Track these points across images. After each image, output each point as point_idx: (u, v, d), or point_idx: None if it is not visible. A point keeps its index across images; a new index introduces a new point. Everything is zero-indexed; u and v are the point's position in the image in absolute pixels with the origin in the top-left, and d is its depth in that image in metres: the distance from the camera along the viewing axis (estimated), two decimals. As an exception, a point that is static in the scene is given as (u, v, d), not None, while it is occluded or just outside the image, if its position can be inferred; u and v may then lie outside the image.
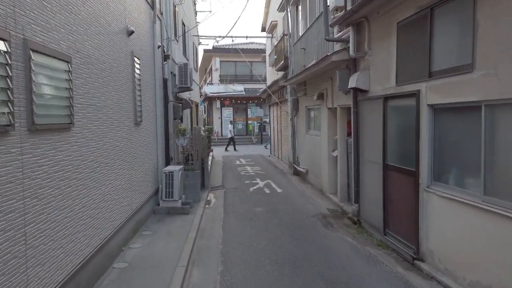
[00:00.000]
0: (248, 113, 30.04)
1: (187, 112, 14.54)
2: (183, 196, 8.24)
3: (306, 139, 11.53)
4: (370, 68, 6.33)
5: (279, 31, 16.38)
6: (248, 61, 23.60)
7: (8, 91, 2.74)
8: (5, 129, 2.71)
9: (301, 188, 10.54)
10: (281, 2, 13.82)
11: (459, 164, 4.36)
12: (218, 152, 21.40)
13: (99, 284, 4.38)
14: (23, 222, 2.95)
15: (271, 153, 19.88)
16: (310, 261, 5.20)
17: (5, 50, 2.72)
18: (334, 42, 7.62)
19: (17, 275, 2.85)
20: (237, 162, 16.92)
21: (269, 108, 20.65)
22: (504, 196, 3.59)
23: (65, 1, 3.74)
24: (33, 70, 3.07)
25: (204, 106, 32.50)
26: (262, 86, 23.05)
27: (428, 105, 4.70)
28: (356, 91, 6.76)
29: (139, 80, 6.53)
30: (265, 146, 23.48)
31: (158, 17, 8.58)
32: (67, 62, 3.71)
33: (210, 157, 16.57)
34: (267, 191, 10.19)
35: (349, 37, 6.71)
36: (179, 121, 11.66)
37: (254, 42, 31.17)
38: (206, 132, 20.14)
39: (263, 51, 25.16)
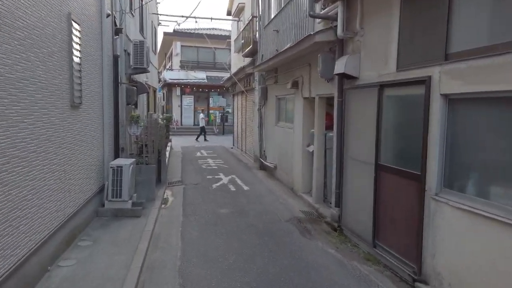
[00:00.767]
0: (210, 102, 28.66)
1: (143, 97, 13.07)
2: (135, 195, 6.98)
3: (276, 131, 10.56)
4: (362, 50, 5.40)
5: (246, 14, 15.22)
6: (212, 48, 22.24)
7: None
8: None
9: (269, 185, 9.58)
10: (251, -19, 12.67)
11: (482, 169, 3.52)
12: (177, 142, 19.98)
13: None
14: None
15: (233, 145, 18.80)
16: (290, 284, 4.22)
17: None
18: (317, 21, 6.63)
19: None
20: (198, 154, 15.68)
21: (232, 98, 19.48)
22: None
23: None
24: None
25: (163, 93, 30.69)
26: (226, 75, 21.82)
27: (441, 94, 3.82)
28: (343, 78, 5.84)
29: (79, 51, 5.18)
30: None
31: (109, -19, 7.16)
32: None
33: (168, 148, 15.21)
34: (232, 188, 9.12)
35: (336, 14, 5.74)
36: (133, 107, 10.25)
37: (218, 28, 29.72)
38: (165, 121, 18.72)
39: (227, 37, 23.86)
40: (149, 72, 11.20)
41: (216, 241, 5.52)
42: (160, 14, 16.36)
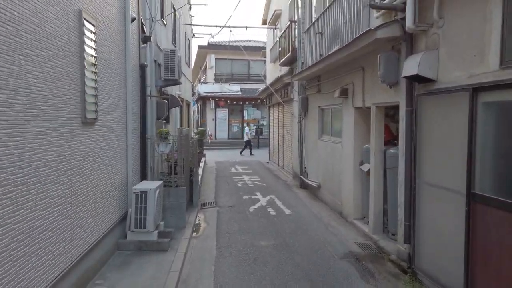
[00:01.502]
0: (245, 114, 27.88)
1: (175, 111, 12.36)
2: (162, 223, 6.07)
3: (319, 146, 9.41)
4: (441, 46, 4.22)
5: (283, 21, 14.31)
6: (246, 59, 21.53)
7: None
8: None
9: (313, 208, 8.41)
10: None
11: None
12: (211, 157, 19.23)
13: None
14: None
15: (269, 160, 17.75)
16: None
17: None
18: (374, 16, 5.52)
19: None
20: (233, 170, 14.75)
21: (268, 110, 18.49)
22: None
23: None
24: None
25: (198, 107, 30.32)
26: (260, 86, 20.97)
27: None
28: (412, 81, 4.67)
29: (94, 58, 4.36)
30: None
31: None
32: None
33: (201, 164, 14.43)
34: (272, 212, 8.03)
35: (404, 3, 4.61)
36: (164, 121, 9.48)
37: (252, 40, 29.21)
38: (198, 135, 18.04)
39: (261, 48, 23.07)
40: (181, 83, 10.46)
41: None
42: (194, 25, 15.76)
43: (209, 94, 26.60)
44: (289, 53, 11.65)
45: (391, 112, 6.74)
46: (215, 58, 27.93)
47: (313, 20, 9.33)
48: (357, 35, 5.54)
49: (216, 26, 14.24)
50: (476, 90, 3.66)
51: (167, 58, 8.58)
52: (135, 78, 6.41)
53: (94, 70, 4.34)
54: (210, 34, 33.84)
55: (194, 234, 6.59)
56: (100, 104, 4.60)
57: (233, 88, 27.13)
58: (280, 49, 13.42)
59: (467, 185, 3.75)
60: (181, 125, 14.60)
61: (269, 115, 18.41)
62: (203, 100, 27.51)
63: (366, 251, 5.66)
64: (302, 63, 10.39)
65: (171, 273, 4.62)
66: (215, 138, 26.84)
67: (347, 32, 6.74)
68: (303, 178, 10.72)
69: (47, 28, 3.27)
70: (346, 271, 4.92)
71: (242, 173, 13.96)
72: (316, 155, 9.69)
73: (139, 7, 6.89)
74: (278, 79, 13.08)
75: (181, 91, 13.43)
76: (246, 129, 22.38)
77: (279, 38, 13.58)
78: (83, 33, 4.02)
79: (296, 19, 11.15)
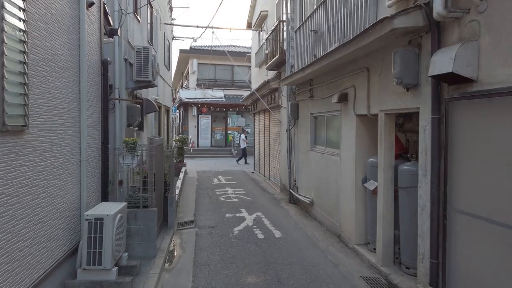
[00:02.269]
0: (228, 122, 26.79)
1: (151, 117, 11.16)
2: (125, 255, 4.88)
3: (311, 157, 8.41)
4: (482, 36, 3.26)
5: (270, 22, 13.37)
6: (230, 64, 20.48)
7: None
8: None
9: (307, 229, 7.35)
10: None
11: None
12: (193, 166, 18.05)
13: None
14: None
15: (254, 169, 16.68)
16: None
17: None
18: (386, 4, 4.55)
19: None
20: (215, 181, 13.60)
21: (253, 117, 17.44)
22: None
23: None
24: None
25: (179, 113, 29.07)
26: (245, 93, 19.97)
27: None
28: (441, 82, 3.70)
29: (24, 43, 3.22)
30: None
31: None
32: None
33: (181, 175, 13.25)
34: (259, 235, 6.92)
35: (430, -17, 3.66)
36: (137, 128, 8.30)
37: (236, 45, 28.29)
38: (179, 143, 16.80)
39: (246, 53, 22.06)
40: (156, 86, 9.31)
41: None
42: (174, 24, 14.63)
43: (191, 100, 25.43)
44: (277, 56, 10.67)
45: (399, 121, 5.78)
46: (198, 63, 26.84)
47: (306, 17, 8.37)
48: (363, 28, 4.56)
49: (198, 26, 13.22)
50: (543, 91, 2.71)
51: (139, 56, 7.44)
52: (93, 76, 5.26)
53: (23, 60, 3.20)
54: (193, 38, 32.69)
55: (167, 265, 5.45)
56: (35, 106, 3.45)
57: (217, 94, 26.06)
58: (266, 51, 12.43)
59: (530, 219, 2.77)
60: (159, 133, 13.40)
61: (254, 122, 17.37)
62: (184, 106, 26.30)
63: (376, 289, 4.63)
64: (292, 66, 9.42)
65: (129, 332, 3.48)
66: (198, 146, 25.63)
67: (348, 28, 5.77)
68: (292, 192, 9.69)
69: None
70: (357, 322, 3.87)
71: (226, 184, 12.83)
72: (308, 168, 8.68)
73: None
74: (265, 84, 12.08)
75: (159, 95, 12.25)
76: (242, 136, 21.21)
77: (266, 40, 12.61)
78: (2, 6, 2.88)
79: (284, 18, 10.20)
